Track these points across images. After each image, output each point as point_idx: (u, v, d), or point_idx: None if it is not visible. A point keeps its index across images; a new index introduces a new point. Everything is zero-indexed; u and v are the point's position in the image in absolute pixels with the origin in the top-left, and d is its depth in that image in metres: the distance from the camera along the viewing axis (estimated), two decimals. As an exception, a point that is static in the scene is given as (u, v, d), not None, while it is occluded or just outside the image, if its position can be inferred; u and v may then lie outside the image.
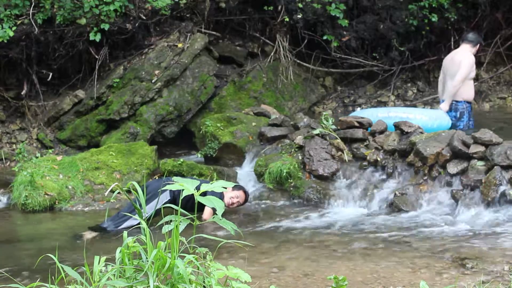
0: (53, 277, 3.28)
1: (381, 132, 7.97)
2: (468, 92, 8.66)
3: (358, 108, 9.47)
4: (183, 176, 7.92)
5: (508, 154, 6.57)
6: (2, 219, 7.79)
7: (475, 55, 8.79)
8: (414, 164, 7.29)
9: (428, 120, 8.40)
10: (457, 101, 8.65)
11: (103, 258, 3.23)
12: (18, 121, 10.73)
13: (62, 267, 3.11)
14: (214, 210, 6.23)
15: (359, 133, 7.95)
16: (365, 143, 7.91)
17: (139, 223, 3.28)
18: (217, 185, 3.31)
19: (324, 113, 9.20)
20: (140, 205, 3.46)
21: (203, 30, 11.01)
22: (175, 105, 10.23)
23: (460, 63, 8.60)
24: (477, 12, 11.88)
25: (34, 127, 10.66)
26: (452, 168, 6.96)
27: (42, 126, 10.57)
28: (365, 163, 7.77)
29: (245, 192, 7.42)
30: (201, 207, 6.55)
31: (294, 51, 11.50)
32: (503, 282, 4.67)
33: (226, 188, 7.09)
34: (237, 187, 7.37)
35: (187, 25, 10.83)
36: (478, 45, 8.75)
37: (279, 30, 11.41)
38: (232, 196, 7.24)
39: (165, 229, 3.20)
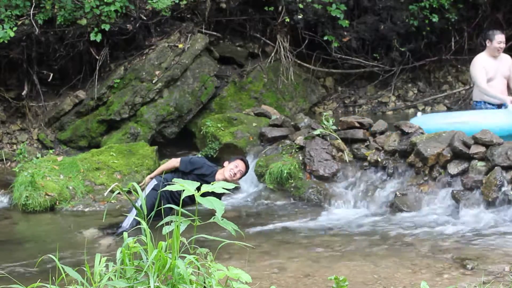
0: (53, 278, 3.28)
1: (382, 133, 7.97)
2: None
3: (419, 113, 8.68)
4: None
5: (509, 154, 6.57)
6: (2, 220, 7.79)
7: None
8: (415, 164, 7.29)
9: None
10: (476, 102, 8.52)
11: (104, 258, 3.23)
12: (18, 122, 10.73)
13: (62, 268, 3.11)
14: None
15: (359, 133, 7.95)
16: (366, 144, 7.91)
17: (137, 222, 3.28)
18: (217, 186, 3.30)
19: (324, 113, 9.19)
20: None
21: (203, 30, 11.01)
22: (176, 105, 10.23)
23: (471, 71, 8.47)
24: (478, 12, 11.89)
25: (34, 127, 10.66)
26: (453, 168, 6.96)
27: (43, 126, 10.58)
28: (365, 163, 7.77)
29: (243, 160, 7.22)
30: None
31: (295, 52, 11.50)
32: (504, 283, 4.66)
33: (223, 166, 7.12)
34: (232, 158, 7.30)
35: (188, 25, 10.84)
36: (487, 41, 8.35)
37: (280, 31, 11.41)
38: (231, 167, 7.06)
39: (166, 230, 3.19)
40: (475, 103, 8.54)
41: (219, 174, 7.06)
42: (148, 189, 6.83)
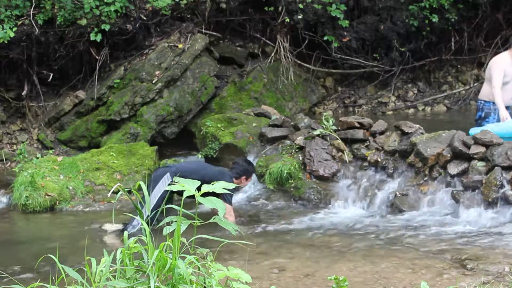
0: (53, 278, 3.28)
1: (382, 133, 7.97)
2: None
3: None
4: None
5: (509, 154, 6.57)
6: (2, 220, 7.80)
7: None
8: (415, 164, 7.29)
9: None
10: (484, 101, 8.31)
11: (104, 258, 3.23)
12: (18, 122, 10.73)
13: (62, 268, 3.11)
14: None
15: (359, 133, 7.95)
16: (366, 144, 7.91)
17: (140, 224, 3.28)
18: (217, 187, 3.30)
19: (324, 113, 9.19)
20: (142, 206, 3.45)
21: (203, 30, 11.01)
22: (176, 105, 10.23)
23: (490, 68, 8.25)
24: (478, 12, 11.90)
25: (34, 127, 10.66)
26: (453, 168, 6.95)
27: (43, 126, 10.58)
28: (365, 163, 7.76)
29: (245, 174, 7.39)
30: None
31: (295, 52, 11.50)
32: (504, 283, 4.66)
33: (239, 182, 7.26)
34: (245, 171, 7.36)
35: (188, 25, 10.84)
36: None
37: (280, 31, 11.41)
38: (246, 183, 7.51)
39: (166, 230, 3.19)
40: (483, 102, 8.28)
41: None
42: (162, 185, 6.80)
